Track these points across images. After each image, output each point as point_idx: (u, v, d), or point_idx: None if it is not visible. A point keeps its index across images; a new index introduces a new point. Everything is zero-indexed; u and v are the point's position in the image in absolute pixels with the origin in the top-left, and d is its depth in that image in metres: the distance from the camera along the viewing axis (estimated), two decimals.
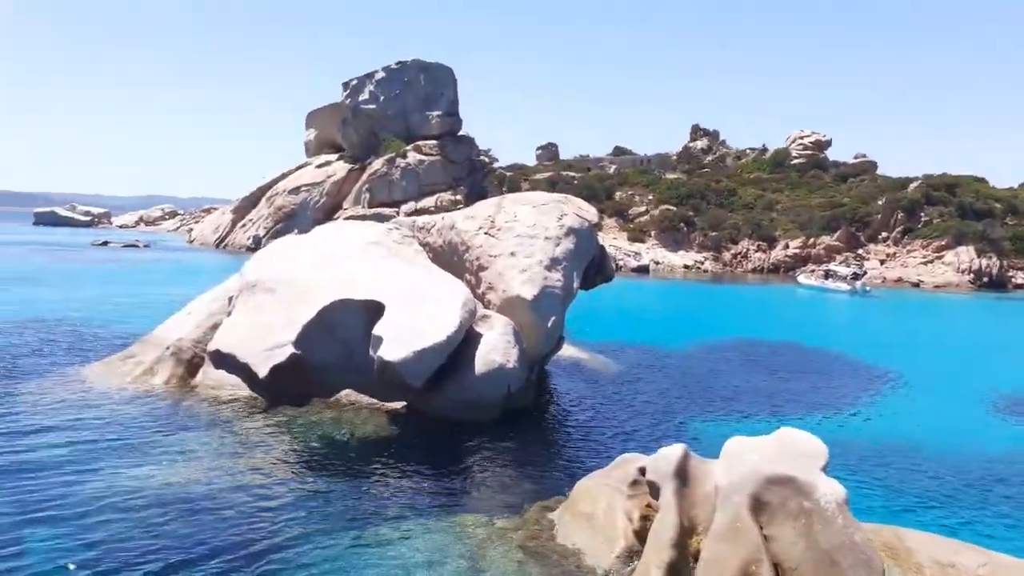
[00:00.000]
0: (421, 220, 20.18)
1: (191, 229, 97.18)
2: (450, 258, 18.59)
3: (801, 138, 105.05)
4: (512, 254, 17.19)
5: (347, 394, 15.95)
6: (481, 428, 14.72)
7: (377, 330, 14.97)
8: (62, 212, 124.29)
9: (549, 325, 16.55)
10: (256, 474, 11.85)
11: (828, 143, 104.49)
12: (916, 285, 65.05)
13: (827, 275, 62.06)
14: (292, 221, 74.51)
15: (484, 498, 11.67)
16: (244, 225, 77.30)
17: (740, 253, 76.49)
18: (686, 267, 72.11)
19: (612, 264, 19.43)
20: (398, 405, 15.62)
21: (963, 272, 65.68)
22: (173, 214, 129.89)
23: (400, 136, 79.34)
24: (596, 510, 9.69)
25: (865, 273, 64.69)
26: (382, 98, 79.81)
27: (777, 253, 75.60)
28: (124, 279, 42.67)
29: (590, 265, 18.48)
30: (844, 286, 57.80)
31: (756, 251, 76.37)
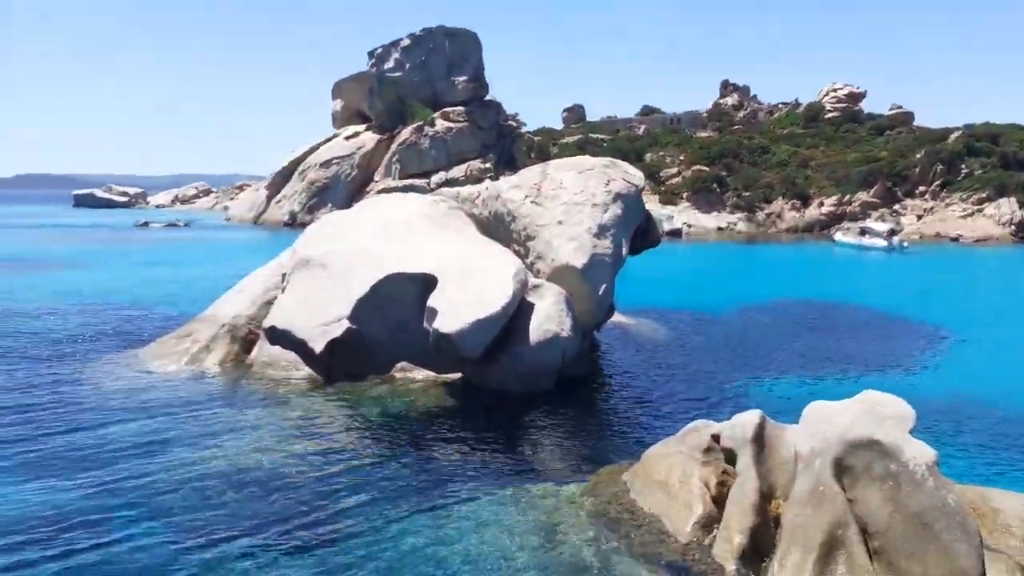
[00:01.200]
0: (465, 191, 20.07)
1: (227, 207, 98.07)
2: (497, 228, 18.47)
3: (835, 91, 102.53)
4: (560, 222, 17.03)
5: (402, 367, 16.02)
6: (537, 397, 14.72)
7: (432, 302, 14.99)
8: (100, 194, 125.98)
9: (600, 293, 16.44)
10: (320, 449, 11.98)
11: (863, 95, 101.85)
12: (955, 240, 63.54)
13: (863, 232, 60.80)
14: (326, 194, 74.85)
15: (548, 466, 11.68)
16: (279, 201, 77.75)
17: (774, 213, 75.22)
18: (719, 229, 71.21)
19: (658, 229, 19.16)
20: (453, 377, 15.67)
21: (1004, 224, 64.01)
22: (207, 192, 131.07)
23: (427, 103, 78.88)
24: (670, 477, 9.64)
25: (901, 229, 63.30)
26: (408, 65, 79.24)
27: (812, 211, 74.20)
28: (171, 259, 43.27)
29: (637, 231, 18.26)
30: (881, 242, 56.63)
31: (790, 210, 75.03)
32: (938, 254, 53.74)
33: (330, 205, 74.61)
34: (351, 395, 14.74)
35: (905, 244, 56.53)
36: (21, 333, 19.87)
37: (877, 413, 8.92)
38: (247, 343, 16.86)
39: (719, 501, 9.21)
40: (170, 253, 47.40)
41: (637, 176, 18.38)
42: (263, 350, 16.37)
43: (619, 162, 19.17)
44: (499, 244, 17.57)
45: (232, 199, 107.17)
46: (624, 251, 16.94)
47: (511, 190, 18.33)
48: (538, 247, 17.12)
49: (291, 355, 15.99)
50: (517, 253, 17.46)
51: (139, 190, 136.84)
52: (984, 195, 67.24)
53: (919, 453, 8.26)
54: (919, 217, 69.40)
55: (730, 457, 9.54)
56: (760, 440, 9.40)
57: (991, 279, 41.90)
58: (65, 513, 9.55)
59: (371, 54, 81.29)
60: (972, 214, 66.48)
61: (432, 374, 15.83)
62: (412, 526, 9.48)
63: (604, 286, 16.37)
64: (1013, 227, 63.63)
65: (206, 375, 15.76)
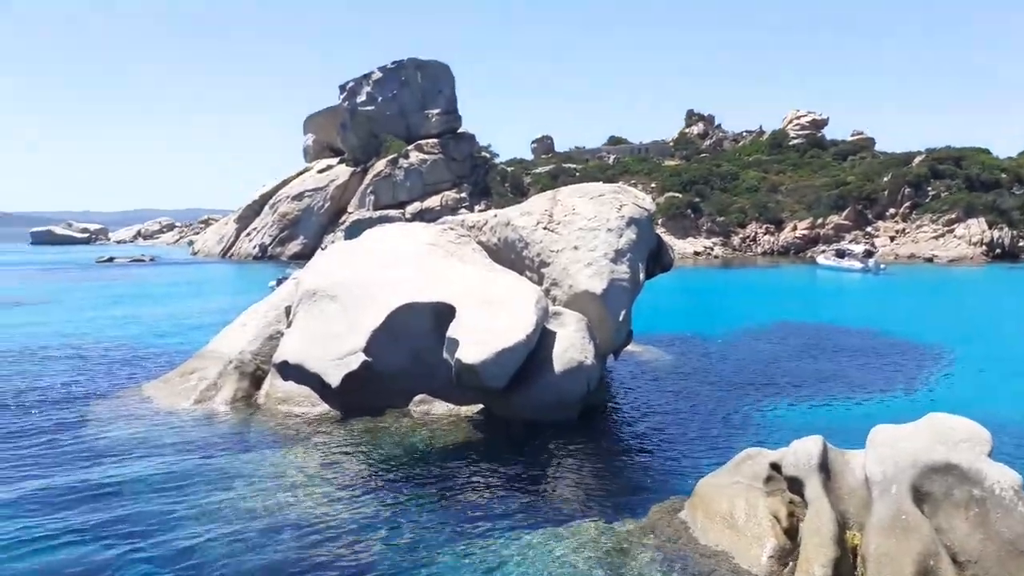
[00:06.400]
0: (471, 219, 19.73)
1: (191, 241, 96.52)
2: (507, 255, 18.15)
3: (798, 118, 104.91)
4: (575, 248, 16.78)
5: (420, 400, 15.49)
6: (563, 428, 14.30)
7: (451, 332, 14.55)
8: (59, 231, 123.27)
9: (620, 319, 16.16)
10: (345, 488, 11.41)
11: (825, 122, 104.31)
12: (929, 260, 64.90)
13: (840, 254, 61.77)
14: (297, 227, 74.05)
15: (593, 502, 11.23)
16: (249, 234, 76.67)
17: (749, 237, 76.29)
18: (696, 253, 71.83)
19: (670, 253, 19.01)
20: (474, 409, 15.20)
21: (975, 244, 65.56)
22: (171, 227, 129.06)
23: (400, 136, 78.75)
24: (734, 510, 9.28)
25: (877, 250, 64.46)
26: (380, 99, 79.16)
27: (786, 235, 75.44)
28: (145, 295, 42.09)
29: (650, 255, 18.07)
30: (858, 264, 57.54)
31: (765, 234, 76.17)
32: (915, 275, 54.66)
33: (302, 237, 74.00)
34: (371, 431, 14.18)
35: (882, 266, 57.49)
36: (11, 377, 18.89)
37: (948, 436, 8.69)
38: (256, 379, 16.21)
39: (790, 533, 8.88)
40: (142, 288, 46.17)
41: (647, 201, 18.25)
42: (274, 386, 15.73)
43: (628, 187, 19.05)
44: (513, 272, 17.22)
45: (196, 233, 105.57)
46: (641, 276, 16.73)
47: (522, 217, 18.06)
48: (553, 273, 16.82)
49: (304, 390, 15.39)
50: (531, 280, 17.14)
51: (99, 226, 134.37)
52: (953, 216, 68.90)
53: (1003, 477, 8.04)
54: (892, 239, 70.82)
55: (794, 486, 9.22)
56: (826, 467, 9.11)
57: (975, 297, 42.61)
58: (87, 561, 8.91)
59: (342, 88, 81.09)
60: (943, 235, 68.01)
61: (452, 406, 15.33)
62: (459, 569, 8.96)
63: (624, 311, 16.10)
64: (984, 247, 65.15)
65: (218, 413, 15.06)
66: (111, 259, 73.33)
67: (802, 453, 9.24)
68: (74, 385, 17.82)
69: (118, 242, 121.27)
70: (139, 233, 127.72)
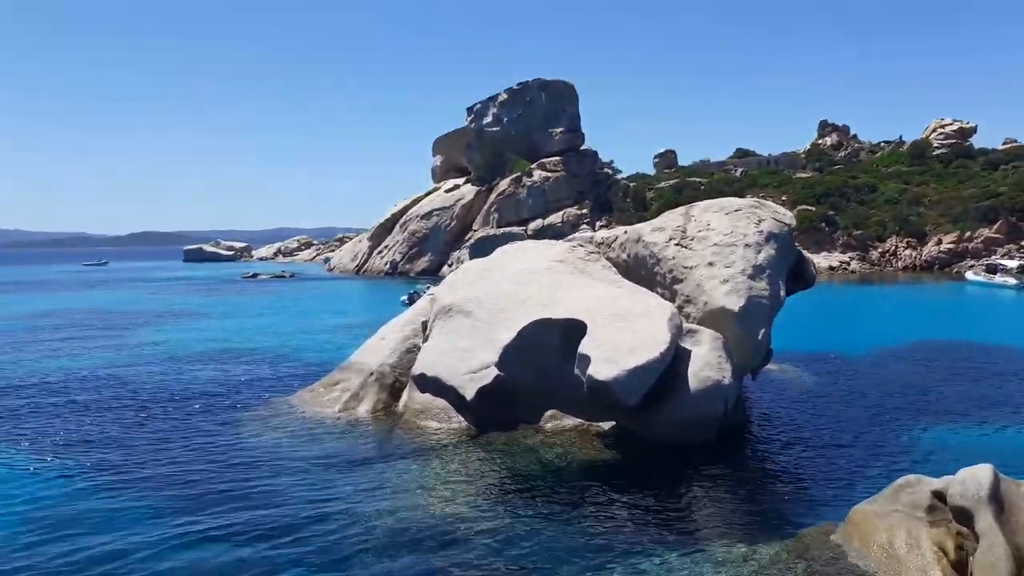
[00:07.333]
0: (600, 235, 19.70)
1: (327, 258, 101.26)
2: (638, 271, 17.96)
3: (942, 127, 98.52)
4: (710, 264, 16.40)
5: (551, 415, 15.57)
6: (699, 448, 13.96)
7: (584, 349, 14.54)
8: (208, 248, 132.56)
9: (759, 337, 15.65)
10: (480, 502, 11.59)
11: (973, 130, 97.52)
12: None
13: (992, 269, 57.30)
14: (425, 245, 76.32)
15: (735, 525, 10.90)
16: (380, 251, 79.74)
17: (888, 251, 72.12)
18: (831, 268, 68.52)
19: (812, 269, 18.25)
20: (606, 426, 15.10)
21: None
22: (308, 244, 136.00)
23: (523, 155, 79.84)
24: (895, 540, 8.77)
25: None
26: (505, 120, 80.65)
27: (929, 249, 70.74)
28: (285, 309, 44.56)
29: (790, 272, 17.42)
30: (1012, 280, 53.20)
31: (906, 248, 71.77)
32: None
33: (429, 254, 76.18)
34: (506, 445, 14.36)
35: None
36: (170, 384, 20.47)
37: None
38: (395, 390, 16.82)
39: (958, 567, 8.30)
40: (283, 302, 48.86)
41: (787, 216, 17.63)
42: (412, 397, 16.25)
43: (767, 202, 18.49)
44: (645, 288, 17.04)
45: (332, 251, 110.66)
46: (781, 293, 16.15)
47: (653, 232, 17.84)
48: (686, 290, 16.51)
49: (441, 402, 15.79)
50: (662, 297, 16.89)
51: (243, 244, 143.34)
52: None
53: None
54: None
55: (962, 517, 8.61)
56: (998, 498, 8.46)
57: None
58: (241, 560, 9.47)
59: (469, 110, 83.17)
60: None
61: (583, 422, 15.31)
62: None
63: (762, 330, 15.59)
64: None
65: (360, 423, 15.72)
66: (255, 275, 78.10)
67: (971, 482, 8.63)
68: (227, 392, 19.11)
69: (260, 259, 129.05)
70: (279, 250, 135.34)
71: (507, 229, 72.36)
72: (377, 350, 18.01)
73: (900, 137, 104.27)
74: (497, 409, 15.35)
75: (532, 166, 78.72)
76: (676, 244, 17.29)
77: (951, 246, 69.55)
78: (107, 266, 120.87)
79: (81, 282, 76.96)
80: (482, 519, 10.87)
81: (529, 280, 17.30)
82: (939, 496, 9.00)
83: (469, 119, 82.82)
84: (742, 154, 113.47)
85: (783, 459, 13.97)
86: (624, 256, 18.47)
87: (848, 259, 70.76)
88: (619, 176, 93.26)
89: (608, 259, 18.91)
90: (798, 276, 17.72)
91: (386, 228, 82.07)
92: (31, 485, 12.41)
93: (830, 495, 11.81)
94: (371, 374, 16.96)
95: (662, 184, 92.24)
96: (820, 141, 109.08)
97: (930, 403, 17.79)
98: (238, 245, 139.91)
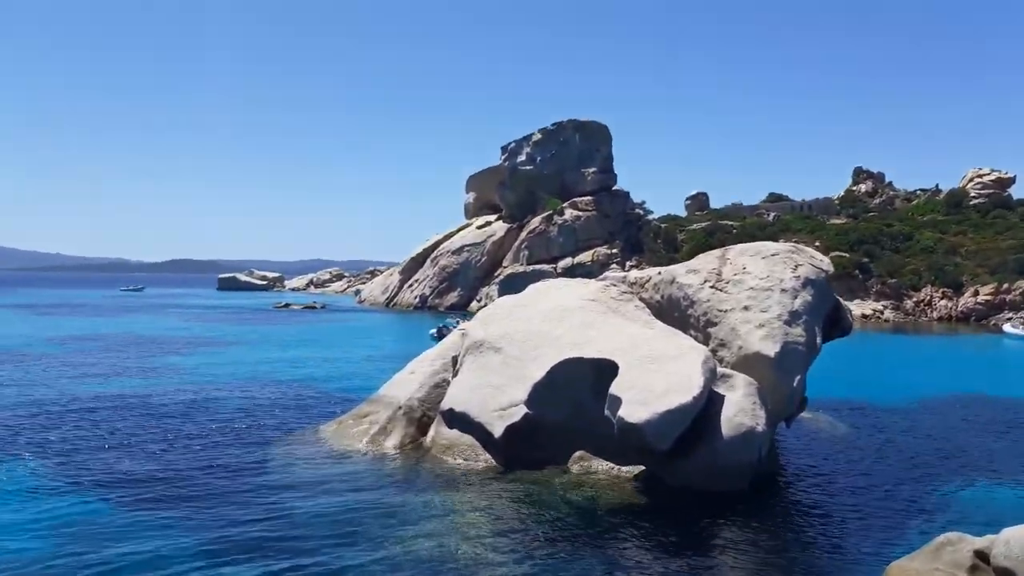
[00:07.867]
0: (633, 275, 19.64)
1: (358, 291, 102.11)
2: (671, 314, 17.83)
3: (980, 176, 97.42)
4: (746, 308, 16.25)
5: (580, 456, 15.37)
6: (732, 498, 13.62)
7: (614, 390, 14.40)
8: (242, 277, 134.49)
9: (795, 384, 15.41)
10: (505, 543, 11.39)
11: (1012, 180, 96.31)
12: None
13: None
14: (455, 280, 76.71)
15: None
16: (411, 285, 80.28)
17: (923, 301, 70.98)
18: (864, 316, 67.52)
19: (849, 316, 18.00)
20: (637, 470, 14.86)
21: None
22: (340, 276, 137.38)
23: (556, 193, 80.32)
24: None
25: None
26: (539, 159, 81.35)
27: (966, 300, 69.50)
28: (317, 339, 44.90)
29: (827, 318, 17.19)
30: None
31: (941, 298, 70.59)
32: None
33: (459, 289, 76.50)
34: (533, 485, 14.17)
35: None
36: (197, 413, 20.58)
37: None
38: (422, 425, 16.76)
39: None
40: (315, 333, 49.24)
41: (825, 262, 17.46)
42: (440, 433, 16.18)
43: (804, 247, 18.36)
44: (678, 330, 16.90)
45: (363, 283, 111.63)
46: (818, 339, 15.92)
47: (687, 275, 17.75)
48: (720, 334, 16.34)
49: (467, 439, 15.70)
50: (695, 340, 16.74)
51: (276, 274, 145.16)
52: None
53: None
54: None
55: None
56: None
57: None
58: None
59: (504, 148, 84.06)
60: None
61: (612, 465, 15.10)
62: None
63: (798, 377, 15.35)
64: None
65: (387, 457, 15.66)
66: (287, 305, 79.01)
67: (1016, 543, 8.36)
68: (254, 423, 19.16)
69: (293, 289, 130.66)
70: (311, 282, 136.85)
71: (537, 267, 72.53)
72: (406, 384, 18.01)
73: (936, 186, 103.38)
74: (525, 448, 15.22)
75: (564, 205, 79.11)
76: (711, 287, 17.18)
77: (988, 297, 68.27)
78: (143, 292, 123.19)
79: (120, 307, 78.46)
80: (506, 562, 10.68)
81: (561, 318, 17.26)
82: (981, 556, 8.72)
83: (503, 157, 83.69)
84: (775, 198, 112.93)
85: (817, 510, 13.62)
86: (657, 297, 18.37)
87: (882, 307, 69.75)
88: (651, 217, 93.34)
89: (641, 299, 18.82)
90: (835, 323, 17.46)
91: (417, 262, 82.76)
92: (46, 503, 12.55)
93: (865, 550, 11.46)
94: (399, 408, 16.94)
95: (693, 226, 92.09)
96: (855, 188, 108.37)
97: (968, 458, 17.29)
98: (271, 275, 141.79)
